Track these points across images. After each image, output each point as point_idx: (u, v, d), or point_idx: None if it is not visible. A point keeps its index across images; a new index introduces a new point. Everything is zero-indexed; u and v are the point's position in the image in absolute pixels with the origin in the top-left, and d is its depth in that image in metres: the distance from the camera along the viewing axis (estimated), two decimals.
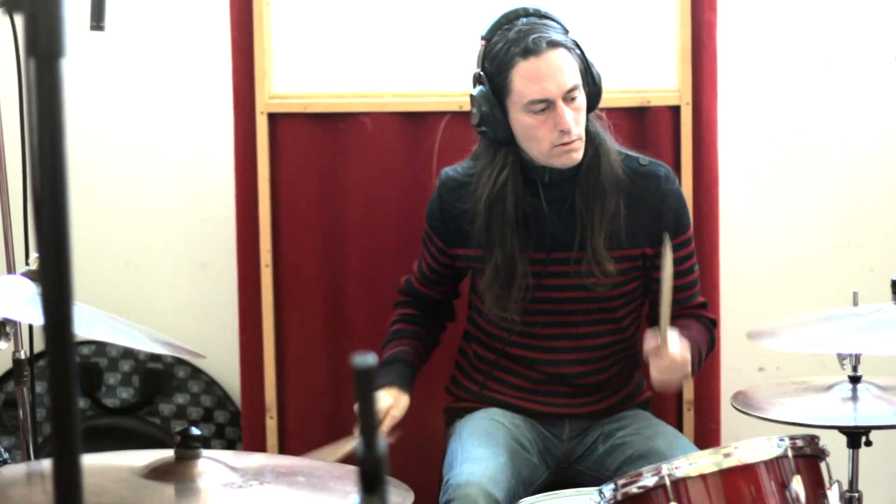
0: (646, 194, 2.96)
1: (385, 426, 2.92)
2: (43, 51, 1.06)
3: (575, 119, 2.84)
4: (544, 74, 2.82)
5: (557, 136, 2.84)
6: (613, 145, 2.97)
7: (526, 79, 2.83)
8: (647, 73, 3.44)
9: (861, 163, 3.63)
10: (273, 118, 3.44)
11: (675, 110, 3.41)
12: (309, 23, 3.55)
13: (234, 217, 3.49)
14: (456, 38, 3.52)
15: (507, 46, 2.84)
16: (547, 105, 2.82)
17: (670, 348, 2.70)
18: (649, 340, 2.73)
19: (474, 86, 2.91)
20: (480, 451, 2.86)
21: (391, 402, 2.94)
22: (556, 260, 2.95)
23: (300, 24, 3.54)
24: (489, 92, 2.87)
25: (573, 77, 2.84)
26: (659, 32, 3.49)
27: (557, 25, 2.88)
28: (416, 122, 3.44)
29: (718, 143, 3.44)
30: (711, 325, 3.07)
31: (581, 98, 2.86)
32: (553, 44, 2.83)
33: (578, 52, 2.88)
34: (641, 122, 3.36)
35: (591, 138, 2.92)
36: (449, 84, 3.47)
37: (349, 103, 3.46)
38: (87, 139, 3.65)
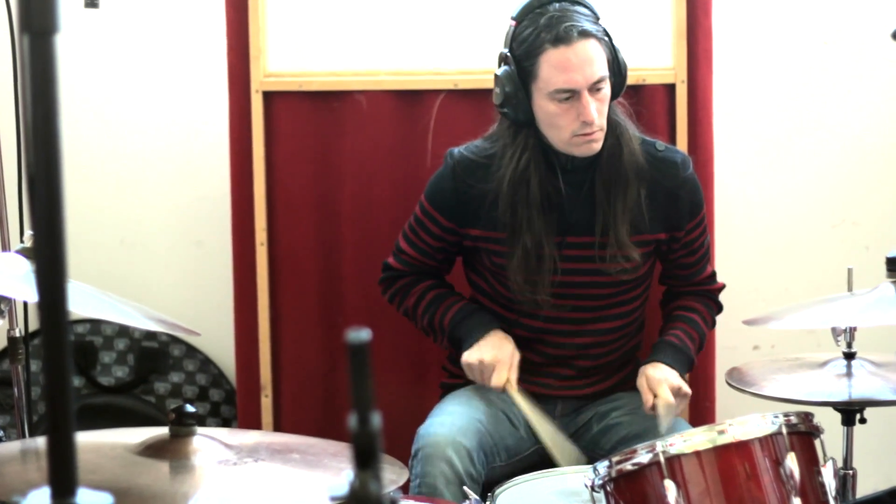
0: (664, 180, 2.96)
1: (514, 378, 2.90)
2: (37, 27, 1.05)
3: (598, 110, 2.82)
4: (573, 64, 2.79)
5: (579, 126, 2.83)
6: (634, 133, 2.96)
7: (554, 67, 2.80)
8: (643, 51, 3.43)
9: (856, 141, 3.63)
10: (268, 96, 3.43)
11: (671, 88, 3.41)
12: (304, 1, 3.54)
13: (228, 195, 3.49)
14: (451, 16, 3.51)
15: (537, 31, 2.81)
16: (572, 95, 2.81)
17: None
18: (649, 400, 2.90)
19: (499, 65, 2.89)
20: (456, 407, 2.91)
21: (511, 349, 2.93)
22: (572, 244, 2.94)
23: (295, 1, 3.53)
24: (514, 74, 2.84)
25: (601, 68, 2.82)
26: (654, 10, 3.48)
27: (589, 13, 2.85)
28: (411, 100, 3.43)
29: (713, 121, 3.43)
30: (717, 297, 3.15)
31: (606, 89, 2.85)
32: (584, 34, 2.80)
33: (607, 40, 2.86)
34: (636, 101, 3.35)
35: (613, 127, 2.92)
36: (444, 62, 3.46)
37: (344, 81, 3.45)
38: (82, 116, 3.64)
